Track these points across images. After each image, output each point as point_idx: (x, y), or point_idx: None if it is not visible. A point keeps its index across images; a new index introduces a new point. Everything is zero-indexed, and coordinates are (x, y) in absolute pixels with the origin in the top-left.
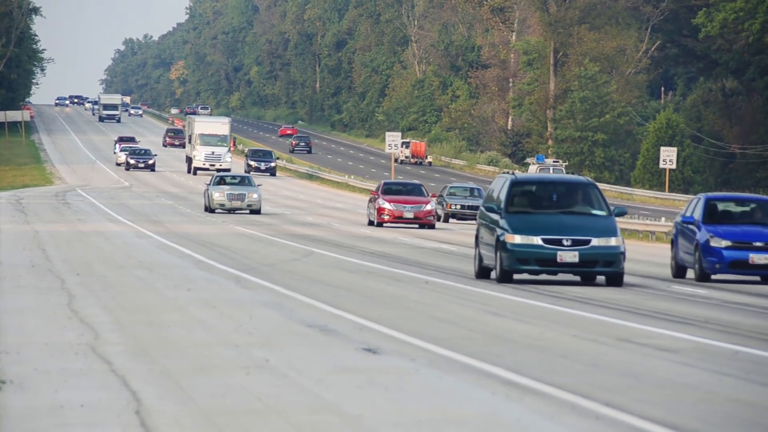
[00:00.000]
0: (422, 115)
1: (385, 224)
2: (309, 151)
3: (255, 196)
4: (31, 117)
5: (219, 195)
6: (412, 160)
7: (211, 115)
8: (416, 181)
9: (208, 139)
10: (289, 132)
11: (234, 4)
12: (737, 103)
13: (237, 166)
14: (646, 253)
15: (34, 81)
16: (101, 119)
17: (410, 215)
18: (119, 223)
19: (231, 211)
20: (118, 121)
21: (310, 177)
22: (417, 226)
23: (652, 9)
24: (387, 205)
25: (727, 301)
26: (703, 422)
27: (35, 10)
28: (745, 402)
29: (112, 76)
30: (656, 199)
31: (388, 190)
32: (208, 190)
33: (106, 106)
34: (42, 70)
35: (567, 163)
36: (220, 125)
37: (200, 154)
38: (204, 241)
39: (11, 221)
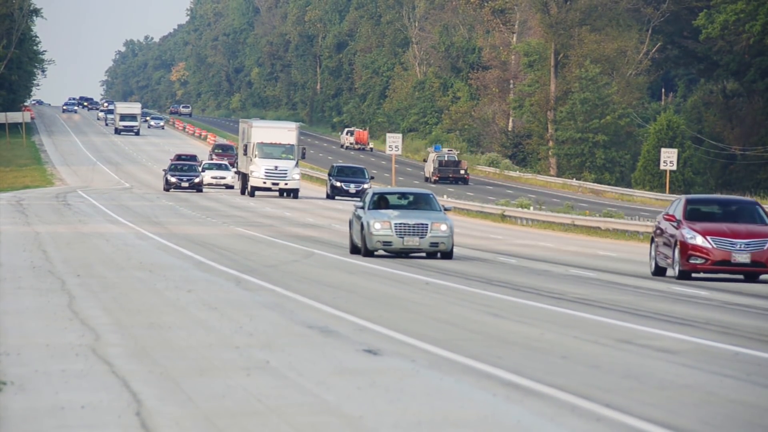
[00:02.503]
0: (423, 117)
1: (695, 274)
2: None
3: (444, 228)
4: (32, 118)
5: (382, 226)
6: (356, 146)
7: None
8: (737, 196)
9: (269, 150)
10: None
11: (235, 6)
12: (738, 105)
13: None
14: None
15: (35, 82)
16: (117, 131)
17: (744, 259)
18: (120, 225)
19: (402, 254)
20: (137, 133)
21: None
22: (744, 276)
23: (652, 11)
24: (701, 241)
25: (728, 303)
26: (703, 423)
27: (36, 12)
28: (746, 403)
29: (113, 77)
30: (657, 201)
31: (695, 213)
32: (361, 218)
33: (123, 117)
34: (43, 71)
35: (459, 152)
36: (286, 132)
37: (259, 170)
38: (204, 242)
39: (12, 222)
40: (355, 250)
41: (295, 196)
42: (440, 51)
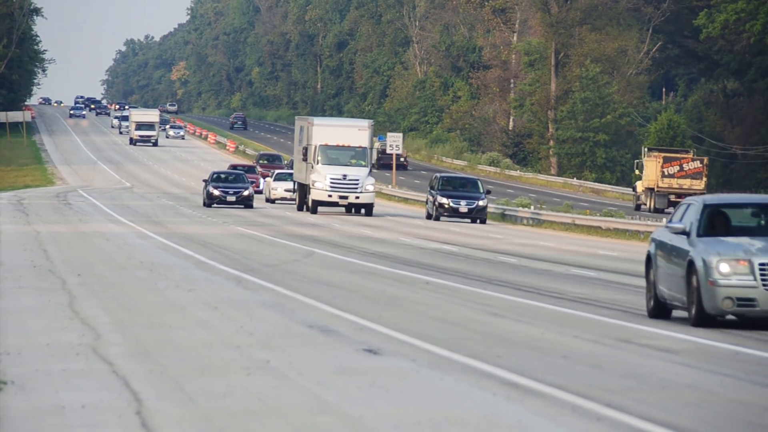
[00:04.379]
0: (423, 116)
1: None
2: (245, 128)
3: None
4: (33, 117)
5: (734, 269)
6: None
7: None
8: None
9: (335, 154)
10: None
11: (235, 5)
12: (738, 104)
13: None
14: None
15: (35, 82)
16: (132, 142)
17: None
18: (120, 224)
19: (739, 317)
20: (155, 144)
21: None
22: None
23: (653, 10)
24: None
25: None
26: (703, 423)
27: (36, 11)
28: (746, 403)
29: (114, 76)
30: None
31: None
32: (686, 252)
33: (139, 125)
34: (43, 70)
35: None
36: (356, 131)
37: (323, 179)
38: (205, 241)
39: (12, 222)
40: (660, 309)
41: (369, 213)
42: (441, 50)
